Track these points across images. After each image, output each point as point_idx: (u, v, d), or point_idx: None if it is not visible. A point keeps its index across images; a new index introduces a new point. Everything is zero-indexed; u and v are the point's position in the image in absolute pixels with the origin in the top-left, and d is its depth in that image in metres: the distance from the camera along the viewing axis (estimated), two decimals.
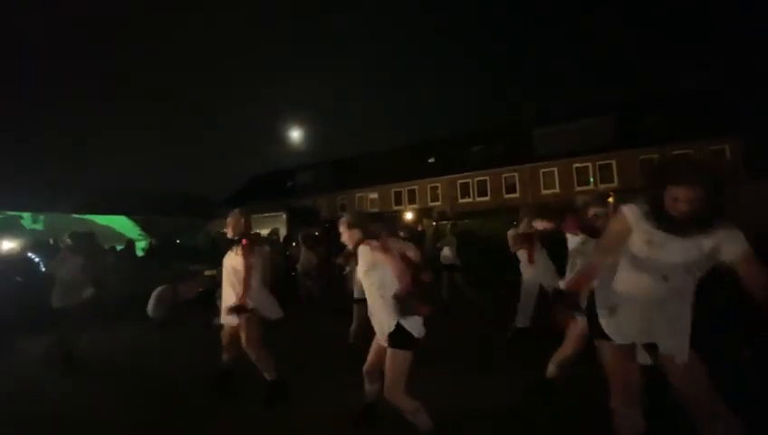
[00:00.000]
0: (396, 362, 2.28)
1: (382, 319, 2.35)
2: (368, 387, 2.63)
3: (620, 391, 1.89)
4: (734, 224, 1.65)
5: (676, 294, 1.75)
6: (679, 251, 1.67)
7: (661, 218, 1.67)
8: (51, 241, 10.44)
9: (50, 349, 4.57)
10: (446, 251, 6.79)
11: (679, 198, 1.60)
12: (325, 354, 4.43)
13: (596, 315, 1.94)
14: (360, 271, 2.47)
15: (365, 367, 2.60)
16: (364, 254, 2.40)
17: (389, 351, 2.32)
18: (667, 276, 1.72)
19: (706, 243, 1.65)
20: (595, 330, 1.96)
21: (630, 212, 1.77)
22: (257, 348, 3.15)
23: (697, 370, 1.77)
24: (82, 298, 4.60)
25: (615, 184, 19.16)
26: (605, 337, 1.90)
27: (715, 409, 1.72)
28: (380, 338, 2.42)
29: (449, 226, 8.66)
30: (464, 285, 6.72)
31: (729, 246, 1.64)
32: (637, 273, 1.80)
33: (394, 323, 2.28)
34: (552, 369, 2.96)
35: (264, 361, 3.16)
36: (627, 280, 1.85)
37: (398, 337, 2.29)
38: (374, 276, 2.39)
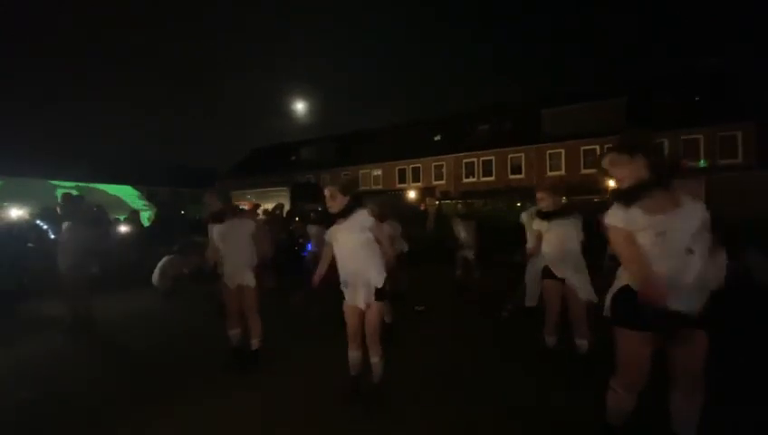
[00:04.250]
0: (379, 313, 2.73)
1: (373, 275, 2.68)
2: (354, 354, 2.84)
3: (627, 375, 1.94)
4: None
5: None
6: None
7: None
8: (57, 209, 10.42)
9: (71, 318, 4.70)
10: (463, 233, 6.64)
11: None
12: (326, 324, 4.55)
13: (621, 301, 1.95)
14: (354, 229, 2.67)
15: (351, 335, 2.80)
16: (364, 215, 2.68)
17: (374, 305, 2.69)
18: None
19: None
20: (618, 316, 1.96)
21: None
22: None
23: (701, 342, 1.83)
24: (89, 270, 4.69)
25: None
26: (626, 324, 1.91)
27: (700, 383, 1.85)
28: (365, 295, 2.67)
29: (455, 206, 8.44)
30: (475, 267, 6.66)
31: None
32: None
33: (383, 278, 2.70)
34: (548, 339, 3.33)
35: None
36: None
37: (381, 292, 2.71)
38: (370, 236, 2.68)
